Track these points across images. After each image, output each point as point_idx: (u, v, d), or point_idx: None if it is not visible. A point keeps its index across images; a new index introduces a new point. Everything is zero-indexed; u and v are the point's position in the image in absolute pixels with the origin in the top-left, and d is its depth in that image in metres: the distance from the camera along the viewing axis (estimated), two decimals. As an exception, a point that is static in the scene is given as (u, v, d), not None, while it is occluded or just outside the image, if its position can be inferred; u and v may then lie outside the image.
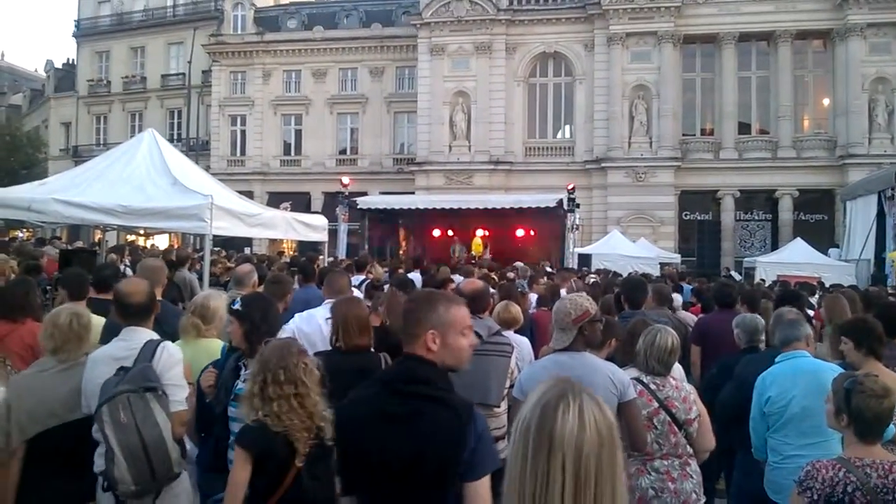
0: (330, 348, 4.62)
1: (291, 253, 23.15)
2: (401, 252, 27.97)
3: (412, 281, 8.35)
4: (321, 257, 13.89)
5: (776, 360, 4.93)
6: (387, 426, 2.70)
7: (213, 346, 4.90)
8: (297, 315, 5.97)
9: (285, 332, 5.62)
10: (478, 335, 4.99)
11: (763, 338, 5.97)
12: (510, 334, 5.91)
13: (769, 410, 4.79)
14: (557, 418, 1.76)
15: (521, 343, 6.05)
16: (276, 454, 3.32)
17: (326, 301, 5.84)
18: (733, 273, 25.97)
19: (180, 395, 4.09)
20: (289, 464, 3.34)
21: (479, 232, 28.27)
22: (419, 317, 2.81)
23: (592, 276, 15.97)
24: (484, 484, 2.66)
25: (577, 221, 24.20)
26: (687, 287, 15.27)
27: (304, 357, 3.51)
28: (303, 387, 3.41)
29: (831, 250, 25.97)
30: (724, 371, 5.82)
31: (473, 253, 26.99)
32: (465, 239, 28.25)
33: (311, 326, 5.65)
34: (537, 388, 1.91)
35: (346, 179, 25.50)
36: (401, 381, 2.77)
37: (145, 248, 20.12)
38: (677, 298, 10.24)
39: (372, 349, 4.69)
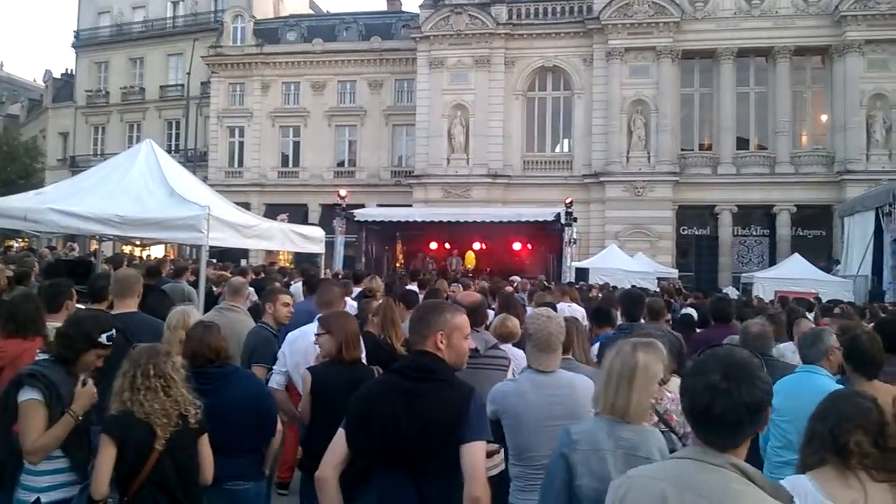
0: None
1: (288, 265, 23.05)
2: (397, 265, 27.87)
3: (415, 293, 8.29)
4: (318, 268, 13.78)
5: (796, 369, 4.95)
6: (399, 400, 3.18)
7: None
8: (288, 335, 5.86)
9: (282, 355, 5.61)
10: (475, 349, 4.95)
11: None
12: (508, 347, 5.85)
13: (774, 419, 4.74)
14: (634, 356, 3.28)
15: (519, 356, 5.95)
16: (137, 439, 3.74)
17: (318, 315, 5.74)
18: (727, 290, 25.75)
19: None
20: (150, 448, 3.75)
21: (475, 245, 28.22)
22: (429, 320, 3.35)
23: (595, 291, 15.89)
24: (479, 446, 3.13)
25: (575, 235, 24.15)
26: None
27: (171, 357, 4.03)
28: (171, 381, 3.87)
29: (823, 265, 25.98)
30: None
31: (466, 266, 26.93)
32: (462, 252, 28.20)
33: (304, 343, 5.58)
34: (618, 342, 3.47)
35: (343, 191, 25.42)
36: (411, 369, 3.30)
37: (142, 258, 20.01)
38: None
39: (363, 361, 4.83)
